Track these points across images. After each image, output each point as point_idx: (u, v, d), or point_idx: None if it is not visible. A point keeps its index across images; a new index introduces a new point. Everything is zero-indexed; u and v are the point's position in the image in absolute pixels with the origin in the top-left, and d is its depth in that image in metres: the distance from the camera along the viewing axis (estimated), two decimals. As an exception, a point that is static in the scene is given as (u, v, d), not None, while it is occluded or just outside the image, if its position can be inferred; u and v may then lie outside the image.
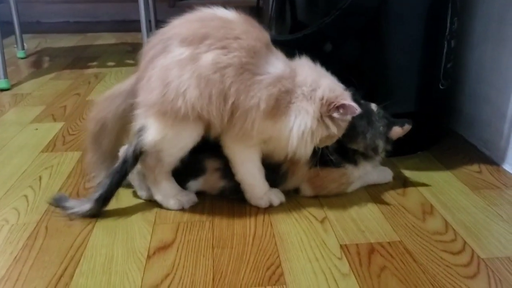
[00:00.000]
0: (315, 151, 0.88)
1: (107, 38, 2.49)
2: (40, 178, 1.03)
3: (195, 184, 0.94)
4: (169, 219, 0.89)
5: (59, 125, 1.33)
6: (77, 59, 2.07)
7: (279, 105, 0.83)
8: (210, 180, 0.93)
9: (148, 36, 1.73)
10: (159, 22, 2.24)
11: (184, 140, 0.85)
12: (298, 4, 1.13)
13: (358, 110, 0.84)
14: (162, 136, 0.84)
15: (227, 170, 0.90)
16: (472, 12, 1.20)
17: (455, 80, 1.24)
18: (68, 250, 0.79)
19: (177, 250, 0.80)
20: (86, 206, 0.87)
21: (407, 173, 1.06)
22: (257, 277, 0.73)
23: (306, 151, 0.86)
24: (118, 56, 2.11)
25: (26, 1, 2.58)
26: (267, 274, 0.74)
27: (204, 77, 0.80)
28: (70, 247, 0.80)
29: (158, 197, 0.91)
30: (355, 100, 0.87)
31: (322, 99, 0.84)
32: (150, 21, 2.12)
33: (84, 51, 2.23)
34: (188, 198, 0.92)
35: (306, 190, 0.95)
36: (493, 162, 1.11)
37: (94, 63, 2.00)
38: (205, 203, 0.93)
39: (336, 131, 0.86)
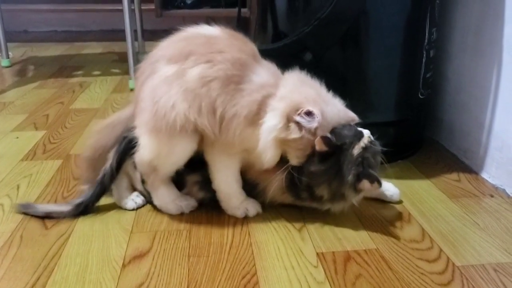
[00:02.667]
0: (287, 168, 0.85)
1: (94, 48, 2.49)
2: (18, 186, 1.02)
3: None
4: (146, 227, 0.88)
5: (40, 134, 1.32)
6: (63, 68, 2.06)
7: (260, 111, 0.84)
8: (190, 193, 0.94)
9: (133, 45, 1.74)
10: (146, 32, 2.26)
11: (178, 155, 0.86)
12: (279, 14, 1.14)
13: (317, 118, 0.80)
14: (157, 153, 0.85)
15: (205, 182, 0.91)
16: (451, 23, 1.22)
17: (435, 90, 1.26)
18: (42, 259, 0.79)
19: (153, 259, 0.79)
20: (65, 207, 0.90)
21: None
22: (232, 285, 0.73)
23: (269, 154, 0.83)
24: (104, 65, 2.11)
25: (13, 10, 2.58)
26: (242, 283, 0.73)
27: (191, 91, 0.81)
28: (44, 256, 0.79)
29: (157, 202, 0.92)
30: (332, 146, 0.82)
31: (292, 101, 0.83)
32: (135, 30, 2.12)
33: (70, 60, 2.22)
34: (187, 202, 0.92)
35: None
36: (472, 171, 1.12)
37: (80, 72, 2.00)
38: (184, 213, 0.93)
39: (297, 137, 0.82)
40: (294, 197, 0.91)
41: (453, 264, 0.78)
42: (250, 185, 0.92)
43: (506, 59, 1.02)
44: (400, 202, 0.98)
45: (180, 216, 0.92)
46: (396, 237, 0.85)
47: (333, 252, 0.81)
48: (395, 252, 0.81)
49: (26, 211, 0.91)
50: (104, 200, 0.93)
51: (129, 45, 1.73)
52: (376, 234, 0.87)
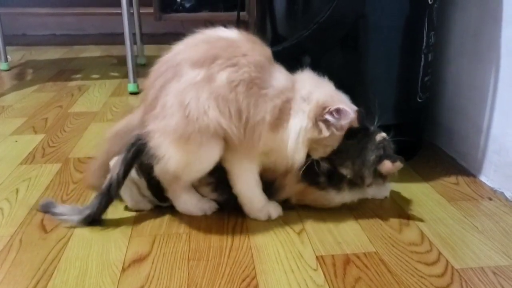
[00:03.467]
0: (307, 163, 0.88)
1: (93, 51, 2.50)
2: (17, 190, 1.02)
3: None
4: (145, 231, 0.88)
5: (39, 137, 1.32)
6: (61, 72, 2.06)
7: (282, 115, 0.85)
8: (202, 193, 0.94)
9: (132, 49, 1.74)
10: (144, 35, 2.26)
11: (206, 163, 0.85)
12: (278, 17, 1.14)
13: (352, 115, 0.85)
14: (184, 162, 0.83)
15: (219, 184, 0.91)
16: (449, 27, 1.23)
17: (433, 94, 1.26)
18: (41, 263, 0.78)
19: (153, 263, 0.79)
20: (74, 217, 0.88)
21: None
22: (231, 289, 0.73)
23: (299, 155, 0.86)
24: (102, 69, 2.11)
25: (12, 14, 2.58)
26: (242, 286, 0.73)
27: (222, 96, 0.80)
28: (43, 260, 0.79)
29: (180, 209, 0.93)
30: (362, 124, 0.89)
31: (318, 101, 0.86)
32: (134, 34, 2.13)
33: (69, 63, 2.23)
34: (209, 205, 0.94)
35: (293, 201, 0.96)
36: (470, 174, 1.13)
37: (78, 76, 2.00)
38: (183, 216, 0.93)
39: (327, 135, 0.85)
40: (310, 183, 0.92)
41: (452, 267, 0.78)
42: (267, 183, 0.92)
43: (504, 63, 1.03)
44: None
45: (180, 220, 0.92)
46: (395, 240, 0.86)
47: (333, 256, 0.81)
48: (394, 255, 0.81)
49: (45, 210, 0.91)
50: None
51: (128, 49, 1.73)
52: (376, 237, 0.87)
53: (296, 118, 0.85)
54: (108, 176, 0.88)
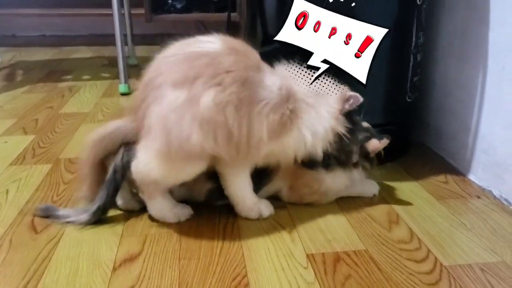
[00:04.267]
0: None
1: (84, 52, 2.49)
2: (7, 191, 1.02)
3: (179, 191, 0.93)
4: (137, 231, 0.88)
5: (29, 138, 1.31)
6: (52, 73, 2.05)
7: (284, 125, 0.84)
8: (196, 182, 0.90)
9: (123, 50, 1.73)
10: (136, 36, 2.25)
11: (188, 175, 0.85)
12: (268, 17, 1.15)
13: (361, 98, 0.91)
14: (164, 175, 0.83)
15: (211, 173, 0.89)
16: (438, 28, 1.24)
17: (422, 94, 1.27)
18: (31, 263, 0.78)
19: (144, 262, 0.79)
20: (83, 216, 0.88)
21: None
22: (222, 287, 0.73)
23: (320, 149, 0.90)
24: (93, 70, 2.11)
25: (1, 15, 2.56)
26: (233, 284, 0.74)
27: (208, 120, 0.78)
28: (34, 260, 0.79)
29: (153, 212, 0.90)
30: (351, 116, 0.94)
31: (340, 98, 0.91)
32: (125, 35, 2.12)
33: (59, 64, 2.21)
34: (184, 211, 0.91)
35: (285, 192, 0.97)
36: (459, 173, 1.14)
37: (69, 77, 1.99)
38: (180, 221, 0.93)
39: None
40: (302, 164, 0.93)
41: (441, 264, 0.79)
42: (261, 173, 0.92)
43: (491, 62, 1.04)
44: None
45: (171, 219, 0.92)
46: (385, 238, 0.87)
47: (323, 254, 0.82)
48: (384, 253, 0.82)
49: (46, 215, 0.90)
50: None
51: (119, 50, 1.73)
52: (365, 235, 0.88)
53: (312, 114, 0.87)
54: (112, 164, 0.87)
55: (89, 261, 0.79)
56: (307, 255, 0.81)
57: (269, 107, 0.82)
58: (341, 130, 0.90)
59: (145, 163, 0.82)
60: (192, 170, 0.84)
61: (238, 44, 0.85)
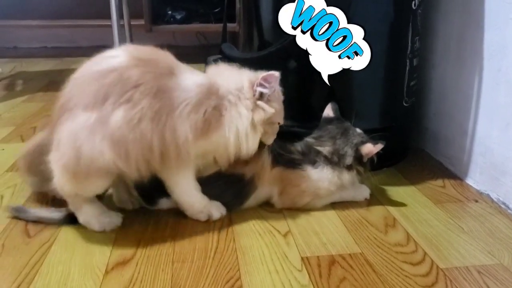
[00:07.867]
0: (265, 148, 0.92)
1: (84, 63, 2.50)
2: (2, 196, 1.02)
3: (166, 202, 0.94)
4: (130, 235, 0.87)
5: (26, 145, 1.31)
6: (52, 83, 2.06)
7: (210, 123, 0.83)
8: None
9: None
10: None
11: (98, 188, 0.86)
12: (264, 25, 1.15)
13: (277, 73, 0.85)
14: (75, 188, 0.82)
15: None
16: (433, 32, 1.24)
17: (419, 98, 1.27)
18: (23, 267, 0.78)
19: (136, 265, 0.78)
20: (55, 214, 0.90)
21: (373, 188, 1.07)
22: (215, 290, 0.72)
23: (251, 144, 0.87)
24: (93, 79, 2.11)
25: (3, 26, 2.59)
26: (226, 287, 0.73)
27: (119, 139, 0.77)
28: (26, 264, 0.78)
29: (80, 219, 0.88)
30: (336, 114, 0.99)
31: (244, 86, 0.86)
32: (125, 44, 2.13)
33: (60, 74, 2.22)
34: (110, 220, 0.89)
35: (276, 198, 0.96)
36: (456, 177, 1.13)
37: (69, 86, 1.99)
38: (169, 220, 0.92)
39: (272, 112, 0.87)
40: (285, 166, 0.94)
41: (437, 266, 0.78)
42: (234, 178, 0.92)
43: (487, 66, 1.04)
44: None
45: (165, 224, 0.91)
46: (381, 241, 0.86)
47: (318, 257, 0.81)
48: (380, 255, 0.81)
49: (18, 215, 0.91)
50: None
51: (117, 59, 1.73)
52: (361, 238, 0.87)
53: (232, 113, 0.84)
54: None
55: (81, 264, 0.78)
56: (302, 258, 0.80)
57: (189, 108, 0.81)
58: (264, 116, 0.86)
59: (57, 178, 0.82)
60: (98, 184, 0.84)
61: (146, 52, 0.84)
